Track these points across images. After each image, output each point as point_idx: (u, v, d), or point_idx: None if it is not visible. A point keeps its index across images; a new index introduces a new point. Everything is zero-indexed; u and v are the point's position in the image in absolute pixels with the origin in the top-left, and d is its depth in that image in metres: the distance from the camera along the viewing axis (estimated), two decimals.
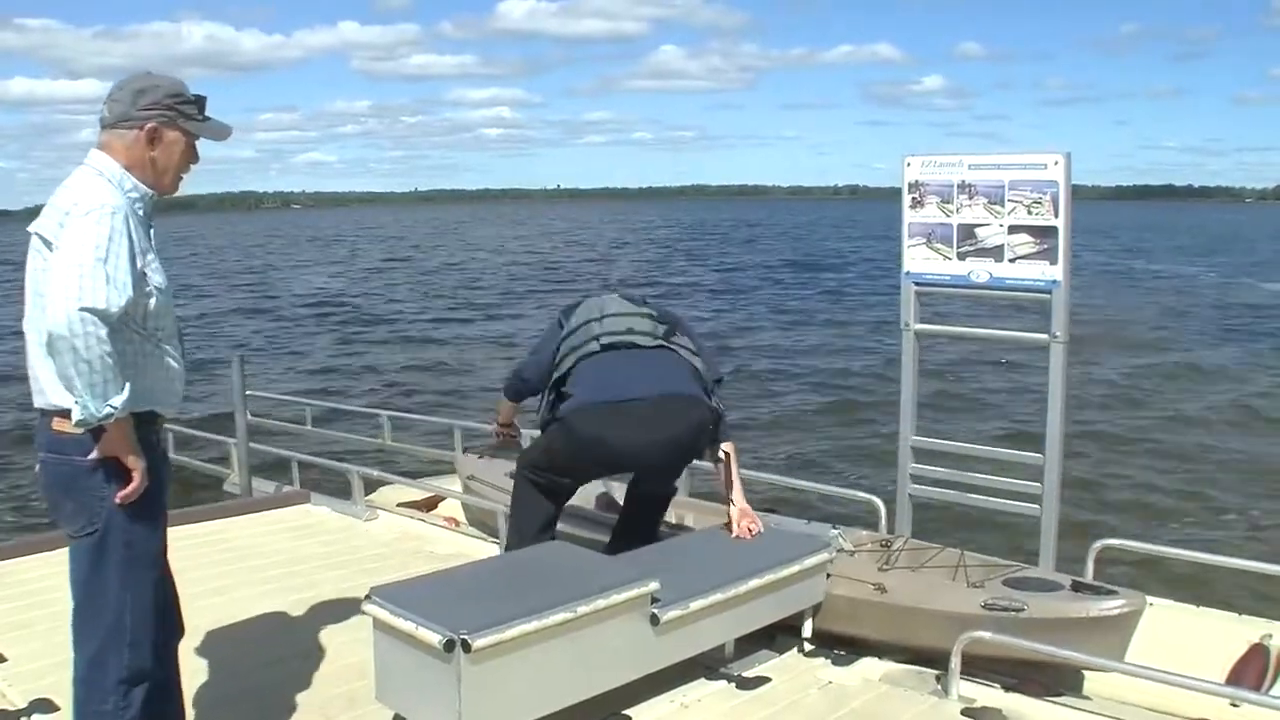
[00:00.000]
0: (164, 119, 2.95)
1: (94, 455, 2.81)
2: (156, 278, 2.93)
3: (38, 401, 2.90)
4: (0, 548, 5.89)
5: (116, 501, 2.85)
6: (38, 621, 4.58)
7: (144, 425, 2.91)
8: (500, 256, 53.81)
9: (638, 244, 64.81)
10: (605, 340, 4.57)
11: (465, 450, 7.38)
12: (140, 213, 2.94)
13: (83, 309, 2.62)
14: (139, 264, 2.83)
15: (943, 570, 4.45)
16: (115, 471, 2.84)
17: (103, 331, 2.64)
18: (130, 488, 2.85)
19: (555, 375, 4.62)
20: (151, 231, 3.02)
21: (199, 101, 3.03)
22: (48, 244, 2.79)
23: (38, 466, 2.97)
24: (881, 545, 4.77)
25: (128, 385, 2.74)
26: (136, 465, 2.84)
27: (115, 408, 2.70)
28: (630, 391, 4.43)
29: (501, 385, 5.27)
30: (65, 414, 2.74)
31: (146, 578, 2.98)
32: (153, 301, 2.91)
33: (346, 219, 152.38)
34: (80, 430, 2.76)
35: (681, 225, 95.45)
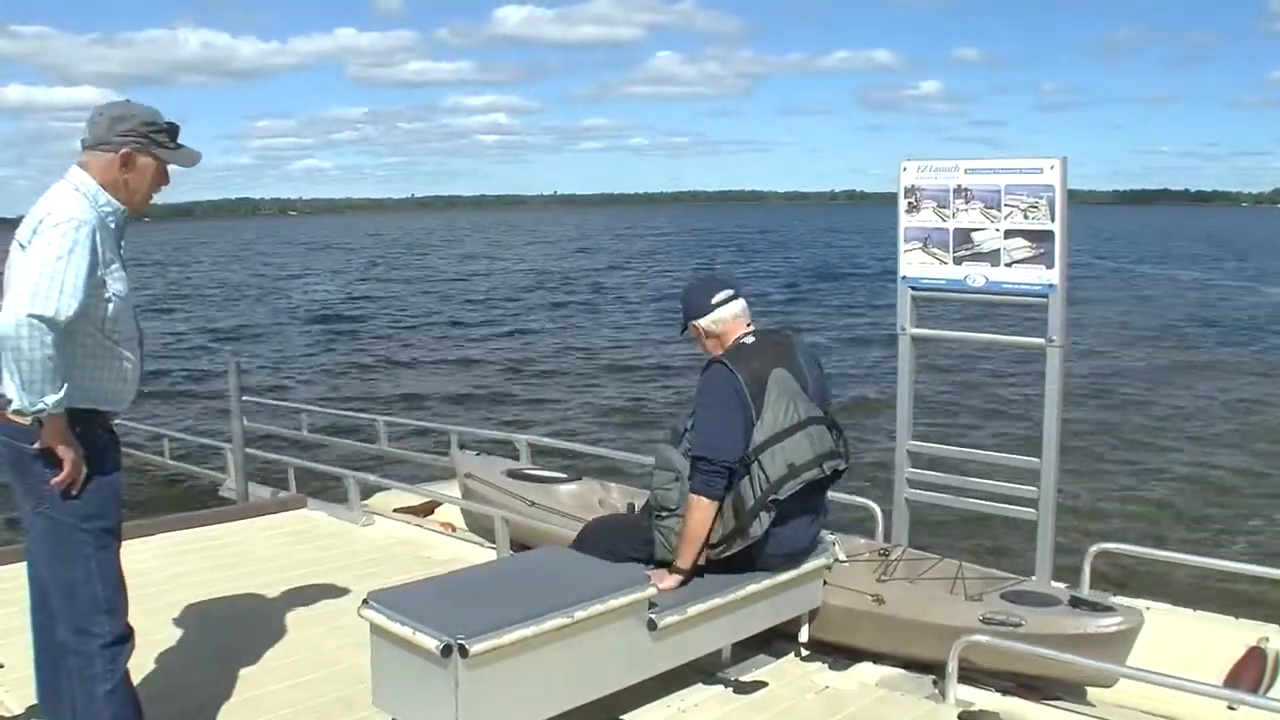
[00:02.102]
0: (137, 145, 3.21)
1: (37, 445, 3.06)
2: (117, 285, 3.17)
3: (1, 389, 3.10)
4: None
5: (51, 486, 3.09)
6: None
7: (89, 420, 3.17)
8: (512, 265, 53.72)
9: (653, 254, 64.55)
10: (806, 478, 4.05)
11: (462, 447, 7.35)
12: (112, 225, 3.20)
13: (32, 315, 2.88)
14: (99, 273, 3.07)
15: (941, 582, 4.45)
16: (55, 460, 3.08)
17: (48, 337, 2.90)
18: (61, 475, 3.08)
19: (753, 478, 3.98)
20: (122, 243, 3.27)
21: (171, 130, 3.29)
22: (23, 250, 3.03)
23: None
24: (880, 555, 4.77)
25: (65, 386, 2.98)
26: (68, 456, 3.07)
27: (46, 404, 2.96)
28: (801, 543, 4.29)
29: (697, 483, 4.01)
30: None
31: (107, 545, 3.24)
32: (111, 307, 3.15)
33: (342, 226, 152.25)
34: (27, 420, 3.03)
35: (704, 231, 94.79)
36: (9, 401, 3.02)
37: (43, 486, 3.10)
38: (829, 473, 4.16)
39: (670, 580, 4.02)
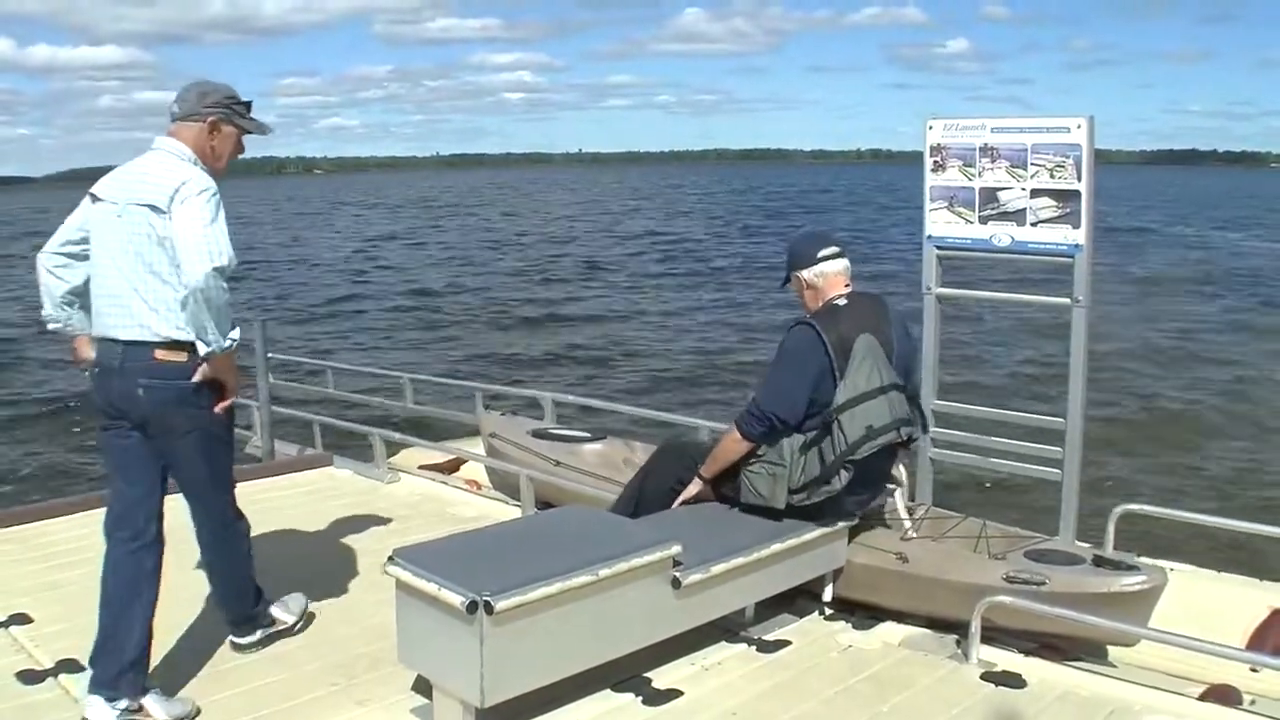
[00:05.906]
0: (222, 115, 3.72)
1: (197, 378, 3.52)
2: None
3: (136, 335, 3.51)
4: (29, 509, 5.94)
5: (216, 411, 3.63)
6: (65, 583, 4.64)
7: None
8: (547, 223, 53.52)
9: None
10: (881, 441, 4.18)
11: (487, 406, 7.38)
12: None
13: (214, 268, 3.36)
14: None
15: (964, 541, 4.45)
16: (214, 388, 3.59)
17: (224, 284, 3.42)
18: (228, 400, 3.65)
19: (833, 437, 4.15)
20: None
21: (247, 105, 3.81)
22: (160, 212, 3.44)
23: (140, 391, 3.52)
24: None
25: (239, 325, 3.54)
26: (233, 382, 3.65)
27: (235, 339, 3.51)
28: (876, 502, 4.59)
29: (738, 423, 4.31)
30: (171, 346, 3.48)
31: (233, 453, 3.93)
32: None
33: (368, 184, 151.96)
34: (184, 359, 3.49)
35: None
36: (156, 348, 3.48)
37: (204, 414, 3.60)
38: (905, 438, 4.30)
39: (691, 489, 4.50)
